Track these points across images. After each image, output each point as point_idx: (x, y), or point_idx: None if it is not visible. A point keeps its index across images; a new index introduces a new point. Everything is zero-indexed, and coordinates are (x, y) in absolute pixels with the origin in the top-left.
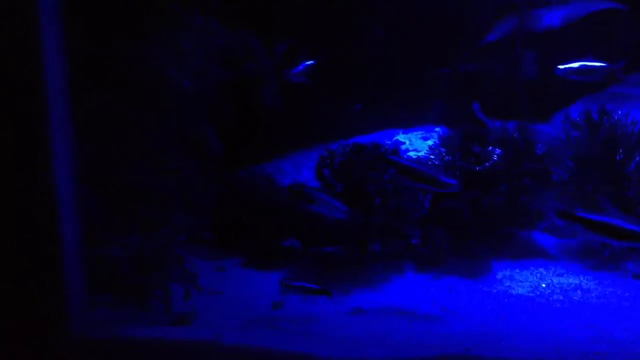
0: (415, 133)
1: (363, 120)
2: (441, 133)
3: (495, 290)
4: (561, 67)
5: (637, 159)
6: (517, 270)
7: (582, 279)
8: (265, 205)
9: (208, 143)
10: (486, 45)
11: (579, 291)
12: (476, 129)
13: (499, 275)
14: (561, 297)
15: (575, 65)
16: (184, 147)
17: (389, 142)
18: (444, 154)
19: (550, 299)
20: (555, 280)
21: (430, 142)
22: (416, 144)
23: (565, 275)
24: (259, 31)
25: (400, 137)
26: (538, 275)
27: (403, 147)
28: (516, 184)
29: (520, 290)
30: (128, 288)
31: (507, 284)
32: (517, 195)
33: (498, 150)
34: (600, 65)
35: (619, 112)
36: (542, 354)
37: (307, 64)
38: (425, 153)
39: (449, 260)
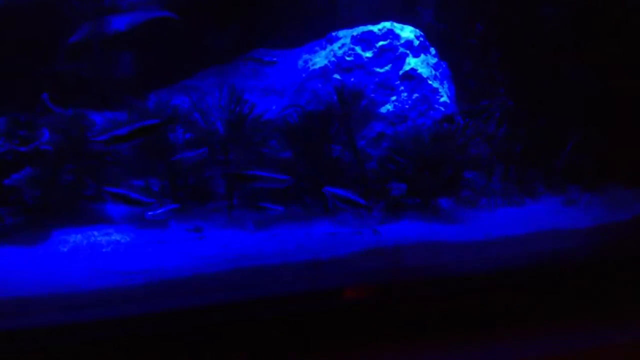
0: None
1: None
2: None
3: (45, 252)
4: None
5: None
6: (73, 235)
7: (123, 236)
8: None
9: None
10: (73, 46)
11: (110, 246)
12: (26, 116)
13: (56, 241)
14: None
15: None
16: None
17: None
18: None
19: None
20: (100, 238)
21: None
22: None
23: (112, 234)
24: None
25: None
26: (88, 236)
27: None
28: (84, 163)
29: (66, 250)
30: None
31: (61, 247)
32: (81, 173)
33: (46, 134)
34: None
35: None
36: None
37: None
38: None
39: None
